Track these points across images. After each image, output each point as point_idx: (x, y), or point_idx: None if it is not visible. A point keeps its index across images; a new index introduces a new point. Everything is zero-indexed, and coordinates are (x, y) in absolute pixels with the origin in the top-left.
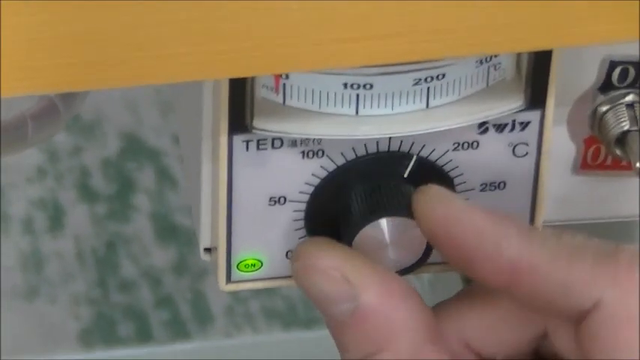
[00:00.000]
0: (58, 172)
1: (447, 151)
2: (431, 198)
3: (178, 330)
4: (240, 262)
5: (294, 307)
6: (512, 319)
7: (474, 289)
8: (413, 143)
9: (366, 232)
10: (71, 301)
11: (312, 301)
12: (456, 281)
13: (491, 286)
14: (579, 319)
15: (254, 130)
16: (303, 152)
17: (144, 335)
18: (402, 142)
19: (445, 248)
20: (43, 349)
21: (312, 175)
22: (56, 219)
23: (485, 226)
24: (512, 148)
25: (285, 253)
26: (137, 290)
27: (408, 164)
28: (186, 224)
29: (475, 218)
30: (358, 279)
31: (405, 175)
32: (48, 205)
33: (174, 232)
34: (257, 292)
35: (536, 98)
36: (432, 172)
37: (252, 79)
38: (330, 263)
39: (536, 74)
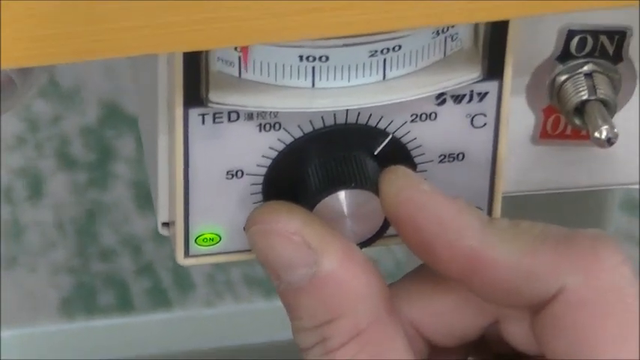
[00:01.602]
0: (37, 140)
1: (405, 122)
2: (397, 179)
3: (159, 298)
4: (199, 236)
5: None
6: (464, 307)
7: (424, 272)
8: (370, 115)
9: (324, 203)
10: (51, 270)
11: (268, 266)
12: None
13: (448, 275)
14: (539, 307)
15: (210, 104)
16: (259, 125)
17: (124, 304)
18: (359, 114)
19: (406, 232)
20: (23, 318)
21: (270, 148)
22: (36, 187)
23: (447, 214)
24: (470, 119)
25: (243, 226)
26: (117, 259)
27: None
28: None
29: (438, 205)
30: (319, 244)
31: (376, 153)
32: (28, 173)
33: None
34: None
35: (494, 69)
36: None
37: (207, 52)
38: (290, 227)
39: (494, 44)
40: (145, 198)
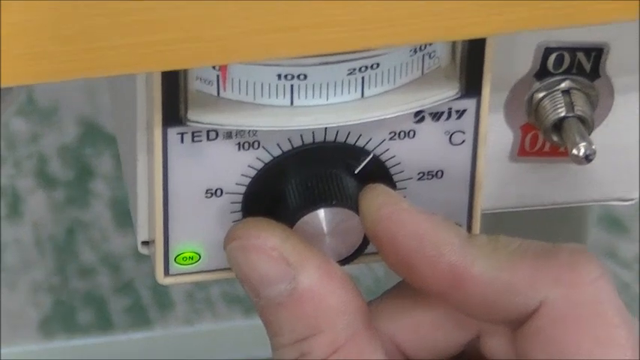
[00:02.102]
0: (16, 159)
1: (384, 140)
2: (377, 197)
3: (139, 317)
4: (178, 254)
5: None
6: (444, 323)
7: (403, 289)
8: (349, 133)
9: (304, 221)
10: (31, 289)
11: (247, 281)
12: None
13: (429, 291)
14: (520, 321)
15: (188, 123)
16: (238, 144)
17: (104, 323)
18: (337, 132)
19: (386, 249)
20: (3, 337)
21: (249, 166)
22: (15, 206)
23: (426, 230)
24: (448, 136)
25: (223, 245)
26: (97, 277)
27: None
28: None
29: (417, 222)
30: (297, 260)
31: (357, 171)
32: (6, 192)
33: None
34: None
35: (472, 86)
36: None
37: (186, 71)
38: (269, 243)
39: (471, 62)
40: (124, 216)
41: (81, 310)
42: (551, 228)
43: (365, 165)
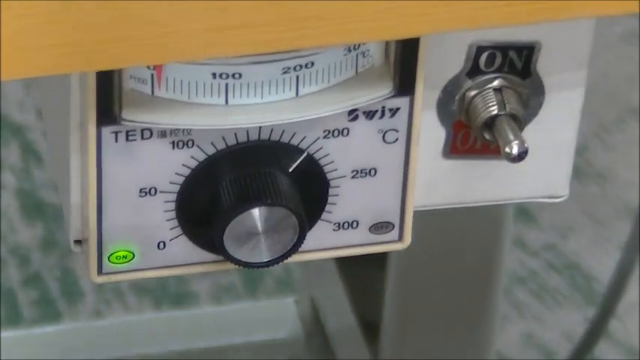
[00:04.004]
0: None
1: (318, 138)
2: None
3: (48, 309)
4: (112, 253)
5: (165, 284)
6: None
7: None
8: (283, 131)
9: (239, 221)
10: None
11: None
12: (330, 268)
13: None
14: None
15: (123, 122)
16: (173, 142)
17: (12, 316)
18: (272, 130)
19: None
20: None
21: (183, 165)
22: None
23: None
24: (382, 134)
25: (157, 244)
26: (4, 269)
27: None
28: (53, 201)
29: None
30: None
31: (291, 170)
32: None
33: (41, 209)
34: None
35: (405, 85)
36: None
37: (120, 70)
38: None
39: (405, 61)
40: (31, 207)
41: None
42: (470, 221)
43: (299, 163)
